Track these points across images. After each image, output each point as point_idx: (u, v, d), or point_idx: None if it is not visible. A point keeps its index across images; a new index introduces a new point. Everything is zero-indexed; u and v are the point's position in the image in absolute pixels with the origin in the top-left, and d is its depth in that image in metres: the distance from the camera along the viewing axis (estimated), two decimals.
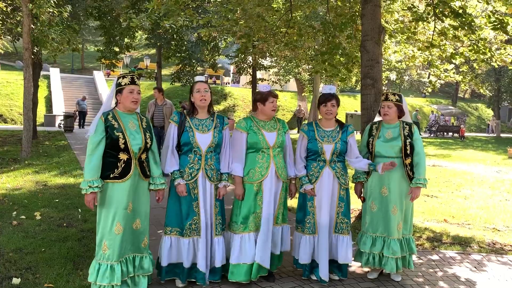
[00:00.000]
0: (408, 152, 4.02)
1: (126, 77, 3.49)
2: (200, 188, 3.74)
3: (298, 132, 24.24)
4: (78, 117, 22.91)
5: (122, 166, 3.37)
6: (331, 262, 4.01)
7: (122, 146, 3.36)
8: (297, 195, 4.25)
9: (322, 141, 3.99)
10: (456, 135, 30.31)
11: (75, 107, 23.59)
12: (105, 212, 3.37)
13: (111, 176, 3.35)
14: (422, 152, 4.06)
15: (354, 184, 4.31)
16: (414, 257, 4.75)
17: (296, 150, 4.10)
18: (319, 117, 4.19)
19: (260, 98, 3.97)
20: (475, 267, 4.57)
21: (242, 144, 3.90)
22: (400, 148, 4.01)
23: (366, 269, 4.29)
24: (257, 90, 4.19)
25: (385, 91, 4.92)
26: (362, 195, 4.28)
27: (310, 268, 4.02)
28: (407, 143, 4.01)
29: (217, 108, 28.94)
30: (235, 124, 4.03)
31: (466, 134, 32.61)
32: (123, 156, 3.37)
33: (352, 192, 4.22)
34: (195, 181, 3.74)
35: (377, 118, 4.38)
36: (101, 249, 3.36)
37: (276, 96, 3.98)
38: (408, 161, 4.02)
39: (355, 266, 4.37)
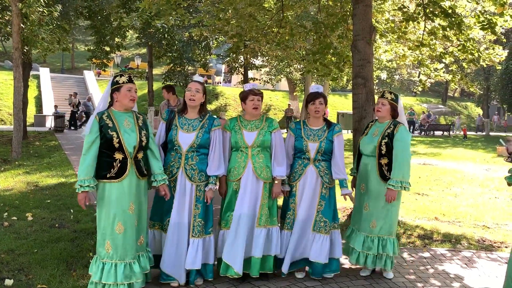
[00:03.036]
0: (383, 152, 4.00)
1: (123, 76, 3.49)
2: (178, 187, 3.73)
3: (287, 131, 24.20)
4: (84, 118, 22.60)
5: (118, 165, 3.36)
6: (307, 260, 4.02)
7: (117, 145, 3.35)
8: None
9: (307, 139, 4.03)
10: (446, 133, 30.57)
11: (81, 107, 23.18)
12: (105, 212, 3.37)
13: (108, 176, 3.35)
14: (400, 154, 3.90)
15: (351, 178, 4.46)
16: (405, 255, 4.81)
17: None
18: (309, 116, 4.21)
19: (241, 97, 4.03)
20: (465, 264, 4.63)
21: (226, 143, 3.96)
22: (374, 147, 4.05)
23: (359, 267, 4.32)
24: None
25: (377, 90, 4.96)
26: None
27: (281, 261, 4.03)
28: (383, 143, 4.00)
29: (208, 107, 28.85)
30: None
31: (457, 132, 32.97)
32: (118, 156, 3.37)
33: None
34: (175, 179, 3.75)
35: (374, 116, 4.49)
36: (104, 248, 3.36)
37: (257, 94, 3.95)
38: (383, 161, 4.02)
39: (348, 264, 4.41)
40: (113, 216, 3.34)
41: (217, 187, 3.90)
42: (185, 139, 3.75)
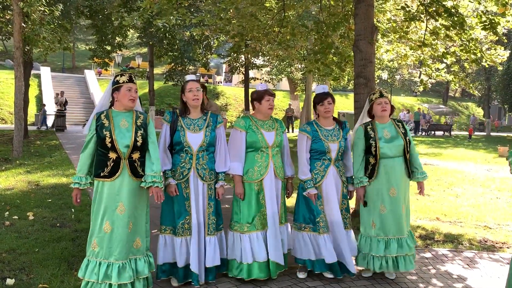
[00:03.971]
0: (408, 149, 4.08)
1: (124, 75, 3.49)
2: (192, 187, 3.73)
3: (288, 131, 24.30)
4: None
5: (111, 165, 3.37)
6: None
7: (109, 144, 3.36)
8: (294, 195, 4.27)
9: (327, 140, 4.01)
10: (447, 133, 30.56)
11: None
12: (96, 209, 3.40)
13: (102, 174, 3.38)
14: (414, 148, 4.19)
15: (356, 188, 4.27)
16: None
17: (299, 152, 4.05)
18: (312, 117, 4.22)
19: (256, 97, 4.00)
20: (467, 265, 4.62)
21: (241, 143, 3.91)
22: (403, 147, 4.05)
23: (361, 268, 4.31)
24: (254, 90, 4.19)
25: (376, 89, 4.95)
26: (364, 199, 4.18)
27: (338, 267, 3.98)
28: (407, 140, 4.08)
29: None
30: (233, 123, 4.05)
31: (457, 132, 32.96)
32: (112, 155, 3.37)
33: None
34: (187, 180, 3.74)
35: (363, 119, 4.33)
36: (91, 246, 3.39)
37: (272, 95, 4.01)
38: (407, 157, 4.09)
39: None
40: (102, 214, 3.36)
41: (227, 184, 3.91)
42: (194, 139, 3.75)
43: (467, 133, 34.86)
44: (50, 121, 22.68)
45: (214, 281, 3.84)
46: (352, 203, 4.79)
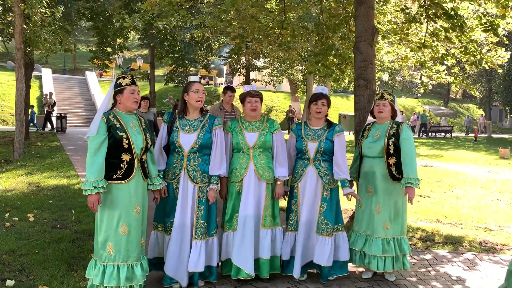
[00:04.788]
0: (391, 151, 4.01)
1: (126, 78, 3.49)
2: (180, 188, 3.72)
3: (288, 132, 24.19)
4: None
5: (125, 167, 3.34)
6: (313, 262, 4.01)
7: (126, 146, 3.33)
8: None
9: (307, 139, 4.01)
10: (448, 135, 30.54)
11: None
12: (109, 213, 3.31)
13: (114, 177, 3.31)
14: (410, 152, 3.92)
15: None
16: (407, 257, 4.79)
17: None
18: (311, 116, 4.21)
19: (240, 99, 4.05)
20: (467, 266, 4.62)
21: (227, 144, 3.97)
22: (382, 148, 4.04)
23: (361, 269, 4.31)
24: None
25: (378, 90, 4.96)
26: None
27: (287, 264, 4.02)
28: (390, 142, 4.01)
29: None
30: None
31: (458, 134, 32.91)
32: (125, 157, 3.34)
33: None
34: (178, 181, 3.75)
35: (369, 120, 4.41)
36: (105, 251, 3.30)
37: (254, 96, 3.97)
38: (392, 160, 4.01)
39: (350, 266, 4.39)
40: (117, 217, 3.30)
41: (219, 187, 3.89)
42: (187, 140, 3.74)
43: (469, 134, 34.89)
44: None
45: (215, 282, 3.83)
46: (352, 205, 4.79)
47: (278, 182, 3.96)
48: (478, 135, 29.39)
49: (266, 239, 3.86)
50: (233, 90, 6.69)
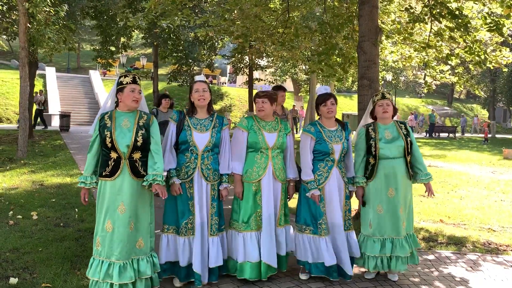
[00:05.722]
0: (409, 150, 4.08)
1: (127, 76, 3.52)
2: (196, 187, 3.74)
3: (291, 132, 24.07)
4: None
5: (112, 164, 3.42)
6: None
7: (109, 144, 3.41)
8: (296, 196, 4.26)
9: (330, 141, 3.99)
10: (451, 135, 30.46)
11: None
12: (99, 208, 3.46)
13: (103, 174, 3.44)
14: (418, 150, 4.18)
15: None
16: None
17: (303, 152, 4.01)
18: (316, 117, 4.20)
19: (254, 99, 4.07)
20: (470, 267, 4.60)
21: (243, 142, 3.93)
22: (404, 148, 4.05)
23: (363, 269, 4.30)
24: None
25: (380, 90, 4.96)
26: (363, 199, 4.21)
27: (336, 268, 3.95)
28: (408, 141, 4.07)
29: (214, 108, 28.88)
30: (237, 123, 4.06)
31: (460, 134, 32.81)
32: (113, 155, 3.42)
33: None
34: (191, 180, 3.75)
35: (366, 120, 4.36)
36: (95, 244, 3.45)
37: (261, 96, 3.98)
38: (409, 159, 4.09)
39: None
40: (104, 213, 3.41)
41: (231, 186, 3.92)
42: (201, 139, 3.77)
43: (471, 135, 34.80)
44: (54, 122, 22.79)
45: (216, 281, 3.84)
46: (355, 205, 4.78)
47: (292, 184, 4.10)
48: (472, 135, 29.30)
49: (282, 237, 4.00)
50: (284, 89, 6.22)
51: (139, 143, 3.45)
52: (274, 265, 3.83)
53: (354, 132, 6.68)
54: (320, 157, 4.00)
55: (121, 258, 3.38)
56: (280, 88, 5.88)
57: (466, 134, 34.84)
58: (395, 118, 4.29)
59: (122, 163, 3.42)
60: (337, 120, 4.17)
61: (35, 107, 18.74)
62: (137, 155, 3.45)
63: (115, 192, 3.40)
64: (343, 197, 4.06)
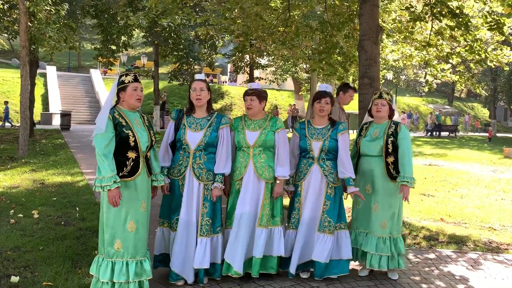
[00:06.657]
0: (390, 150, 4.05)
1: (129, 75, 3.50)
2: (186, 185, 3.75)
3: (291, 131, 24.21)
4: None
5: (131, 164, 3.36)
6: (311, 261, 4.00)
7: (133, 144, 3.36)
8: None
9: (311, 138, 4.03)
10: (452, 134, 30.42)
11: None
12: (115, 210, 3.31)
13: (120, 174, 3.31)
14: (407, 152, 4.01)
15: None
16: (410, 256, 4.79)
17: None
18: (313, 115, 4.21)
19: (243, 97, 4.08)
20: (471, 266, 4.60)
21: (231, 142, 3.96)
22: (381, 147, 4.07)
23: (357, 267, 4.31)
24: None
25: (379, 89, 4.97)
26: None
27: (285, 261, 4.01)
28: (389, 141, 4.05)
29: (214, 106, 28.86)
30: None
31: (463, 134, 32.77)
32: (131, 155, 3.37)
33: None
34: (183, 178, 3.77)
35: (366, 119, 4.43)
36: (113, 247, 3.31)
37: (249, 94, 3.96)
38: (390, 159, 4.06)
39: (353, 265, 4.39)
40: (125, 214, 3.32)
41: (223, 185, 3.89)
42: (193, 138, 3.76)
43: (472, 134, 34.76)
44: (55, 121, 22.80)
45: (203, 285, 3.78)
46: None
47: (277, 182, 3.96)
48: (464, 134, 29.22)
49: (261, 238, 3.83)
50: (355, 90, 5.71)
51: (153, 142, 3.54)
52: (235, 266, 3.72)
53: (355, 131, 6.66)
54: (302, 154, 4.09)
55: (145, 255, 3.44)
56: (351, 87, 5.55)
57: (460, 133, 34.67)
58: (396, 118, 4.27)
59: (141, 162, 3.42)
60: (330, 119, 4.15)
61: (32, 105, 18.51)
62: (149, 154, 3.55)
63: (136, 191, 3.37)
64: (323, 196, 3.97)
